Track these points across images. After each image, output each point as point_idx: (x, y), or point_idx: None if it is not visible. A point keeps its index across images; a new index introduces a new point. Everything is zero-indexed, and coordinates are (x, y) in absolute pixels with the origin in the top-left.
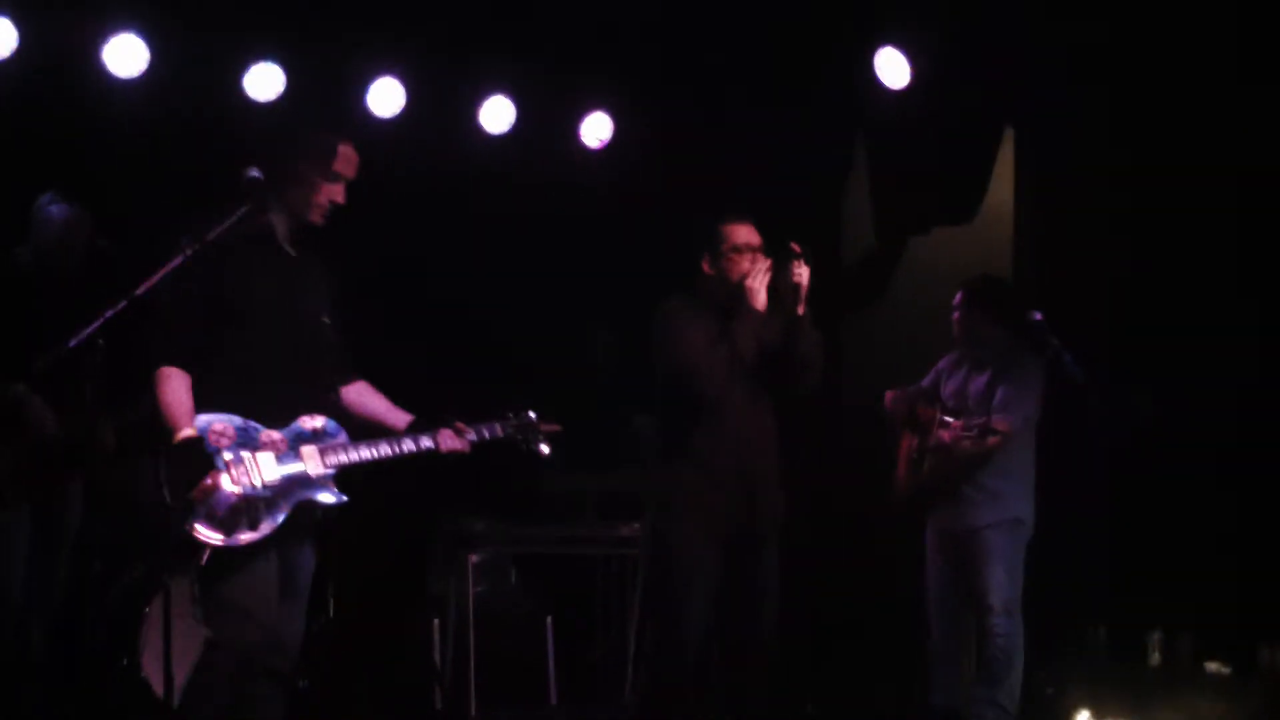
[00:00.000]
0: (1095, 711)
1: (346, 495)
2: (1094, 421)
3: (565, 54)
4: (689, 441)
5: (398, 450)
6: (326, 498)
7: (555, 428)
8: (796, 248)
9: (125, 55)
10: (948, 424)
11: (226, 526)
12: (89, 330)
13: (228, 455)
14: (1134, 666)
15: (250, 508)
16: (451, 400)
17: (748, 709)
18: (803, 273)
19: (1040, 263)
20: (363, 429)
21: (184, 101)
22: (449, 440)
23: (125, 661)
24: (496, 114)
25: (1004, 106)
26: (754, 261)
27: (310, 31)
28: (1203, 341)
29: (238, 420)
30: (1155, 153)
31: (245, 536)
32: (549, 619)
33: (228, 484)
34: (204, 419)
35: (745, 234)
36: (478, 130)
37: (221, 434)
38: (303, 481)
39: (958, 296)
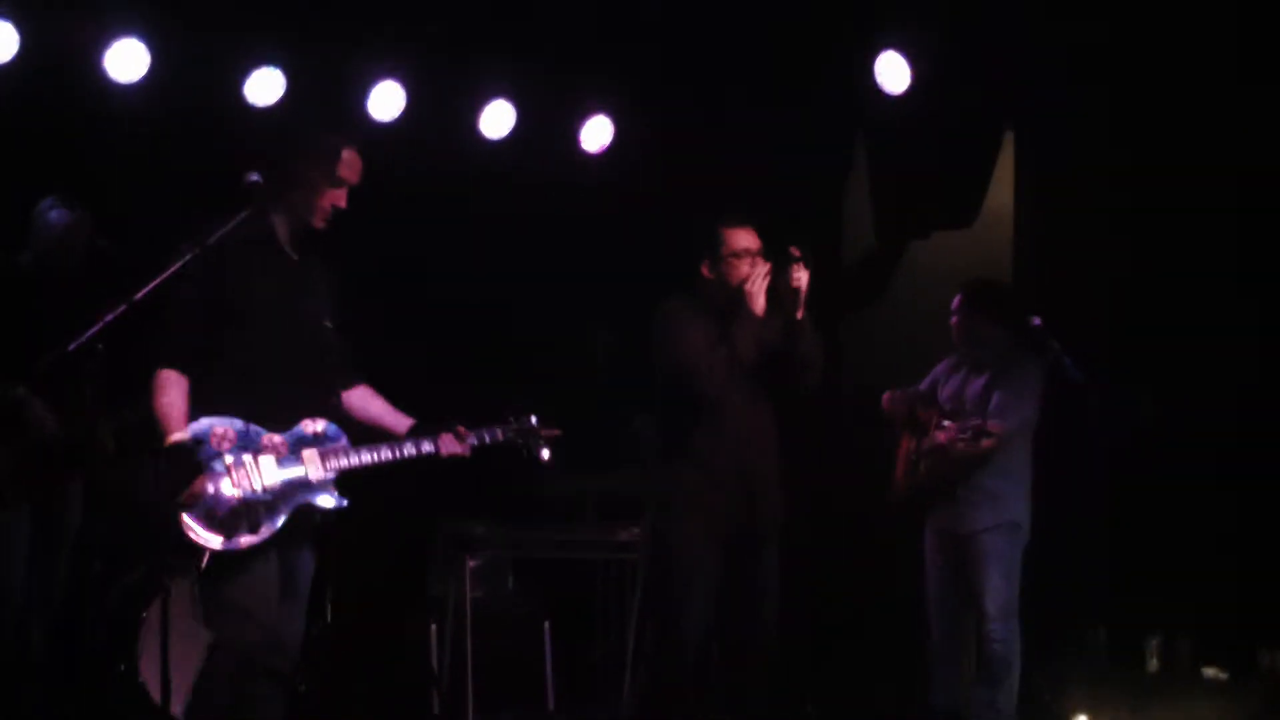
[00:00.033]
0: (1093, 715)
1: (347, 499)
2: (1094, 423)
3: (565, 55)
4: (689, 441)
5: (398, 454)
6: (326, 501)
7: (556, 432)
8: (796, 252)
9: (126, 59)
10: (944, 426)
11: (226, 529)
12: (88, 334)
13: (229, 458)
14: (1133, 670)
15: (250, 511)
16: (452, 401)
17: (748, 709)
18: (802, 277)
19: (1040, 263)
20: (364, 433)
21: (185, 106)
22: (450, 444)
23: (123, 666)
24: (497, 118)
25: (1004, 108)
26: (753, 266)
27: (310, 35)
28: (1203, 341)
29: (239, 424)
30: (1155, 153)
31: (245, 540)
32: (546, 623)
33: (228, 487)
34: (206, 422)
35: (744, 238)
36: (478, 134)
37: (223, 437)
38: (303, 485)
39: (956, 300)
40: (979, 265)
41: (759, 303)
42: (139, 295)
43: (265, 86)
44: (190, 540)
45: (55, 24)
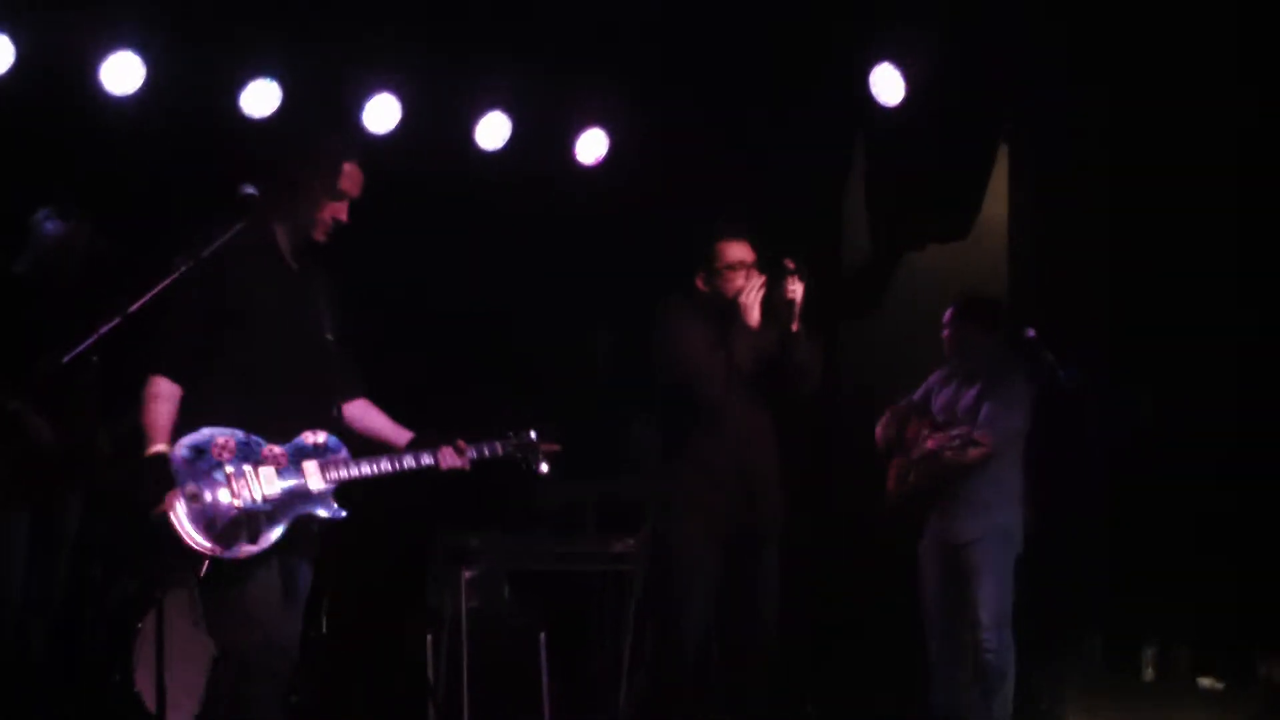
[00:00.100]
0: None
1: (346, 510)
2: (1092, 430)
3: (561, 63)
4: (689, 442)
5: (398, 467)
6: (326, 513)
7: (555, 448)
8: (790, 264)
9: (122, 72)
10: (933, 435)
11: (226, 539)
12: (82, 346)
13: (229, 468)
14: (1128, 678)
15: (250, 521)
16: (451, 410)
17: (748, 709)
18: (796, 289)
19: (1040, 264)
20: (363, 445)
21: (180, 117)
22: (450, 458)
23: (118, 676)
24: (492, 129)
25: (1002, 112)
26: (747, 278)
27: (306, 47)
28: (1203, 342)
29: (240, 434)
30: (1155, 153)
31: (245, 549)
32: (543, 634)
33: (228, 497)
34: (207, 432)
35: (738, 251)
36: (474, 145)
37: (224, 447)
38: (303, 496)
39: (948, 313)
40: (977, 265)
41: (753, 315)
42: (133, 308)
43: (261, 98)
44: (189, 548)
45: (51, 36)
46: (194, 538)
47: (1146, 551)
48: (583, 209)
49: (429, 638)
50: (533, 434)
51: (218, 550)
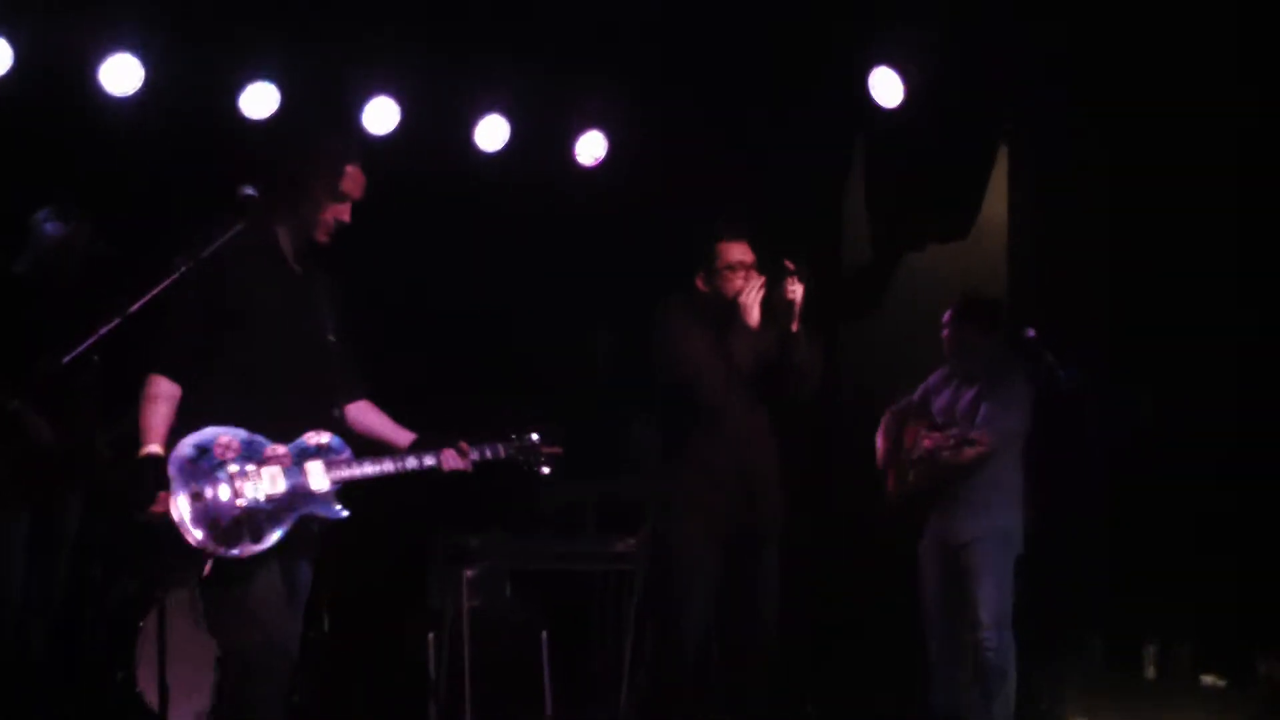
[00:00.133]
0: None
1: (348, 510)
2: (1092, 430)
3: (564, 57)
4: (689, 442)
5: (401, 467)
6: (328, 513)
7: (557, 450)
8: (790, 265)
9: (121, 72)
10: (931, 434)
11: (229, 539)
12: (82, 346)
13: (233, 467)
14: (1130, 677)
15: (253, 520)
16: (453, 410)
17: (748, 709)
18: (796, 290)
19: (1040, 264)
20: (365, 446)
21: (179, 119)
22: (452, 459)
23: (120, 674)
24: (491, 131)
25: (1001, 113)
26: (747, 278)
27: (305, 49)
28: (1203, 342)
29: (243, 434)
30: (1155, 153)
31: (247, 549)
32: (544, 632)
33: (231, 496)
34: (211, 431)
35: (738, 252)
36: (473, 146)
37: (227, 446)
38: (306, 496)
39: (947, 314)
40: (977, 266)
41: (753, 315)
42: (133, 309)
43: (260, 100)
44: (191, 547)
45: (51, 36)
46: (196, 536)
47: (1147, 551)
48: (582, 210)
49: (430, 637)
50: (535, 436)
51: (220, 549)
